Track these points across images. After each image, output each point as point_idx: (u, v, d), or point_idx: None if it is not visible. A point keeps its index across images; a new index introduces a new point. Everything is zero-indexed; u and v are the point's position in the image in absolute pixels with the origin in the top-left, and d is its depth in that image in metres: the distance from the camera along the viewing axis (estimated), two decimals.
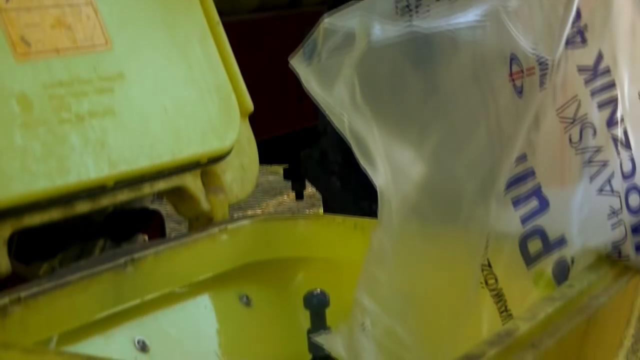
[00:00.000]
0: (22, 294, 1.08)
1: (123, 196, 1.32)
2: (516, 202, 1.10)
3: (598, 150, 1.11)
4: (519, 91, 1.09)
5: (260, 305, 1.39)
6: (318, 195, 3.60)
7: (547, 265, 1.10)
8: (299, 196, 3.74)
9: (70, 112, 1.25)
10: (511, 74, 1.09)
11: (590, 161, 1.11)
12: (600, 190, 1.11)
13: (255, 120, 1.60)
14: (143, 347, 1.20)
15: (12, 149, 1.16)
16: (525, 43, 1.07)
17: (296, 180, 3.60)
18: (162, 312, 1.26)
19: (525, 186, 1.10)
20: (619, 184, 1.11)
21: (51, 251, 1.76)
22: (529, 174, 1.10)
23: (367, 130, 1.11)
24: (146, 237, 1.65)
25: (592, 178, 1.10)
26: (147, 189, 1.36)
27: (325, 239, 1.41)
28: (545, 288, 1.09)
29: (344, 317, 1.31)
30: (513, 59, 1.08)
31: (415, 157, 1.11)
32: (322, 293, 1.23)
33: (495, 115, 1.10)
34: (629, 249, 1.12)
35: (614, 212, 1.11)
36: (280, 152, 3.38)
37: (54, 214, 1.22)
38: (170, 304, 1.28)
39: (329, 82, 1.11)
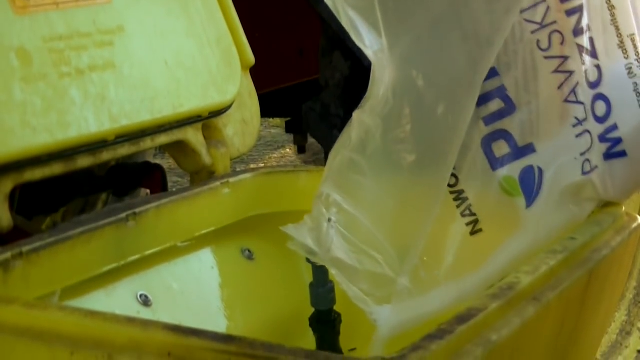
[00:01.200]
0: (24, 249, 1.08)
1: (124, 150, 1.31)
2: (478, 101, 1.09)
3: (565, 59, 1.10)
4: None
5: (262, 259, 1.39)
6: (320, 148, 3.60)
7: (514, 170, 1.10)
8: (301, 149, 3.74)
9: (70, 66, 1.24)
10: None
11: (557, 70, 1.10)
12: (566, 99, 1.10)
13: (257, 73, 1.60)
14: (146, 302, 1.21)
15: (12, 103, 1.16)
16: None
17: (298, 133, 3.60)
18: (165, 266, 1.26)
19: (487, 85, 1.09)
20: (583, 94, 1.11)
21: (53, 206, 1.76)
22: (492, 73, 1.09)
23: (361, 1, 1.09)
24: (148, 192, 1.65)
25: (559, 87, 1.10)
26: (148, 143, 1.35)
27: None
28: (511, 193, 1.09)
29: None
30: None
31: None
32: None
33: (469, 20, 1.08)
34: (596, 157, 1.12)
35: (579, 122, 1.10)
36: (282, 105, 3.37)
37: (55, 169, 1.22)
38: (172, 258, 1.28)
39: None
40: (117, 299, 1.18)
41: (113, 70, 1.30)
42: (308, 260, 1.23)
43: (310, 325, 1.26)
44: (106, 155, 1.29)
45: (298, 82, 3.22)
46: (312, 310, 1.26)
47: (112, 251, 1.18)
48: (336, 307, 1.26)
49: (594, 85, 1.12)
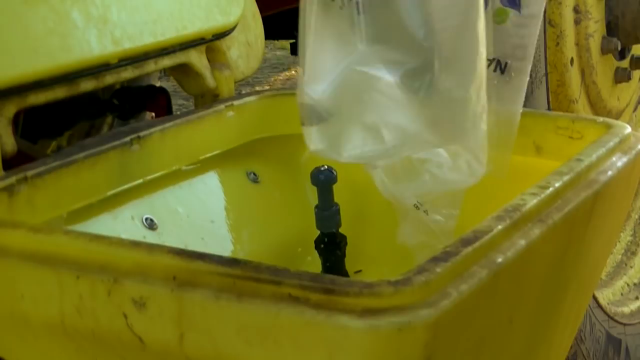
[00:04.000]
0: (29, 173, 1.08)
1: (127, 74, 1.31)
2: None
3: None
4: None
5: (267, 182, 1.39)
6: None
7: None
8: None
9: None
10: None
11: None
12: None
13: None
14: (151, 225, 1.21)
15: (13, 27, 1.15)
16: None
17: None
18: (170, 189, 1.26)
19: None
20: None
21: (58, 129, 1.76)
22: None
23: None
24: (153, 115, 1.65)
25: None
26: (152, 66, 1.34)
27: None
28: (503, 19, 1.11)
29: (351, 193, 1.31)
30: None
31: None
32: (330, 169, 1.23)
33: None
34: None
35: None
36: (287, 27, 3.33)
37: (58, 93, 1.21)
38: (177, 182, 1.28)
39: None
40: (122, 223, 1.18)
41: None
42: (313, 183, 1.23)
43: (316, 248, 1.26)
44: (109, 79, 1.28)
45: None
46: (318, 233, 1.26)
47: (117, 175, 1.18)
48: (342, 230, 1.26)
49: None
